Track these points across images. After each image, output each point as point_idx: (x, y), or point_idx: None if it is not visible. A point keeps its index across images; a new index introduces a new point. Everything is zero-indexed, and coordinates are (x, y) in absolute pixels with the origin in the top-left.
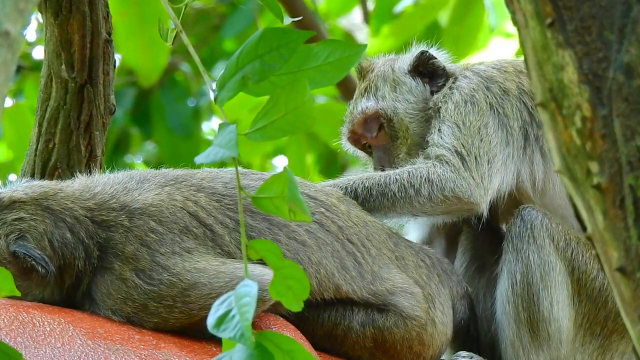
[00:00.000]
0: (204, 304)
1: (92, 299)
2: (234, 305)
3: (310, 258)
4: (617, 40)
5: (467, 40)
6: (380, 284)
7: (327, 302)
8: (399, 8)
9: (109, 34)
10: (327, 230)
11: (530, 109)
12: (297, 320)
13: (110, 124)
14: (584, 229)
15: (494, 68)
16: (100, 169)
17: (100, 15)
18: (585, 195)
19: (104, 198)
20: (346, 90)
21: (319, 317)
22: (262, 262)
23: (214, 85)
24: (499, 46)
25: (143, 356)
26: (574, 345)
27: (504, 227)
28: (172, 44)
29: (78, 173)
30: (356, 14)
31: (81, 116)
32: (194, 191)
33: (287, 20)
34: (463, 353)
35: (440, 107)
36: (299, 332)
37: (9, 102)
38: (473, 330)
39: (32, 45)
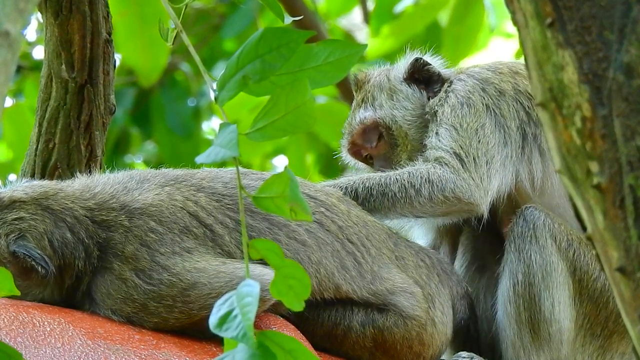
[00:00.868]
0: (204, 303)
1: (92, 298)
2: (236, 305)
3: (310, 258)
4: (617, 40)
5: (467, 41)
6: (380, 283)
7: (327, 301)
8: (399, 8)
9: (109, 33)
10: (327, 230)
11: (527, 109)
12: (297, 320)
13: (110, 124)
14: (584, 228)
15: (488, 70)
16: (100, 169)
17: (100, 15)
18: (585, 195)
19: (104, 198)
20: (346, 90)
21: (319, 316)
22: (262, 262)
23: (214, 85)
24: (499, 46)
25: (143, 356)
26: (574, 346)
27: (503, 227)
28: (172, 43)
29: (78, 173)
30: (356, 14)
31: (81, 116)
32: (194, 191)
33: (288, 19)
34: (464, 354)
35: (437, 110)
36: (298, 332)
37: (9, 102)
38: (473, 330)
39: (32, 45)
